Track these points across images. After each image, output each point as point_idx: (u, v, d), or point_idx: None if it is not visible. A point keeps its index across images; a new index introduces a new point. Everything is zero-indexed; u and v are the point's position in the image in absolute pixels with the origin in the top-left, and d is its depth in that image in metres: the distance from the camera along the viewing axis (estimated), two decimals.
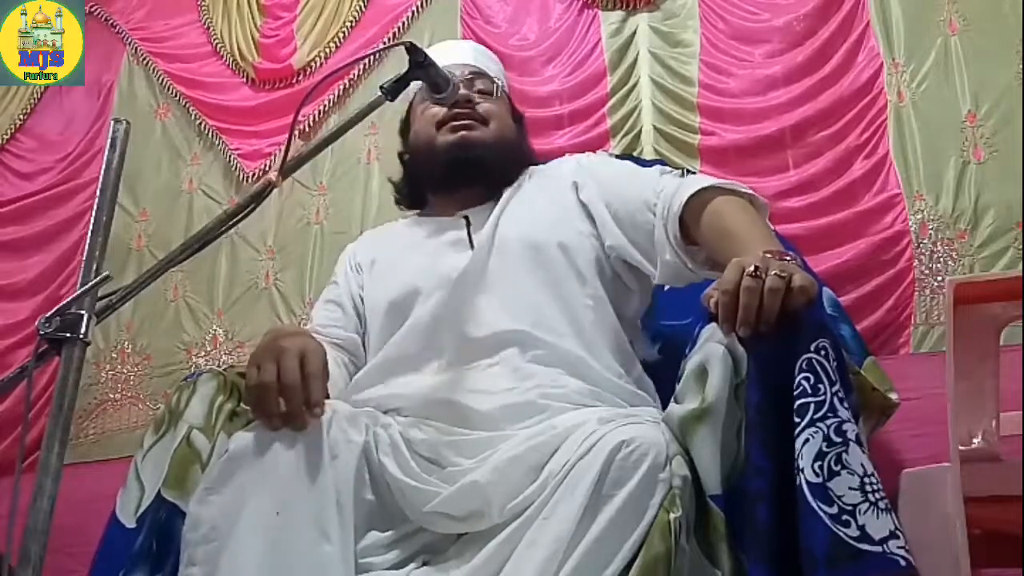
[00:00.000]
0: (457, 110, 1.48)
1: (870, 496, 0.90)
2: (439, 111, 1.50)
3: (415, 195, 1.62)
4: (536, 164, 1.62)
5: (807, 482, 0.90)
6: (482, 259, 1.39)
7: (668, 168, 1.47)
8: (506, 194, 1.50)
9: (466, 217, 1.48)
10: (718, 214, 1.26)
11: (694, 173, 1.69)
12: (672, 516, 0.99)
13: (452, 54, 1.56)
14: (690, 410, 1.06)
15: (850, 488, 0.90)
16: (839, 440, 0.91)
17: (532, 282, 1.36)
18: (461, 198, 1.51)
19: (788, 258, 1.06)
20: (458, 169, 1.48)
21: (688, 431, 1.05)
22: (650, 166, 1.66)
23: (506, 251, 1.39)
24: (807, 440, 0.92)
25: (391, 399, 1.31)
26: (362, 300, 1.51)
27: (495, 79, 1.58)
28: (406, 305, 1.39)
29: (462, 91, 1.45)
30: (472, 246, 1.43)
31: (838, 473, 0.90)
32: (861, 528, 0.88)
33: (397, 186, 1.66)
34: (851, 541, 0.87)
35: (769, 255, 1.04)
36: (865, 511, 0.89)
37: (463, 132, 1.48)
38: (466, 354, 1.31)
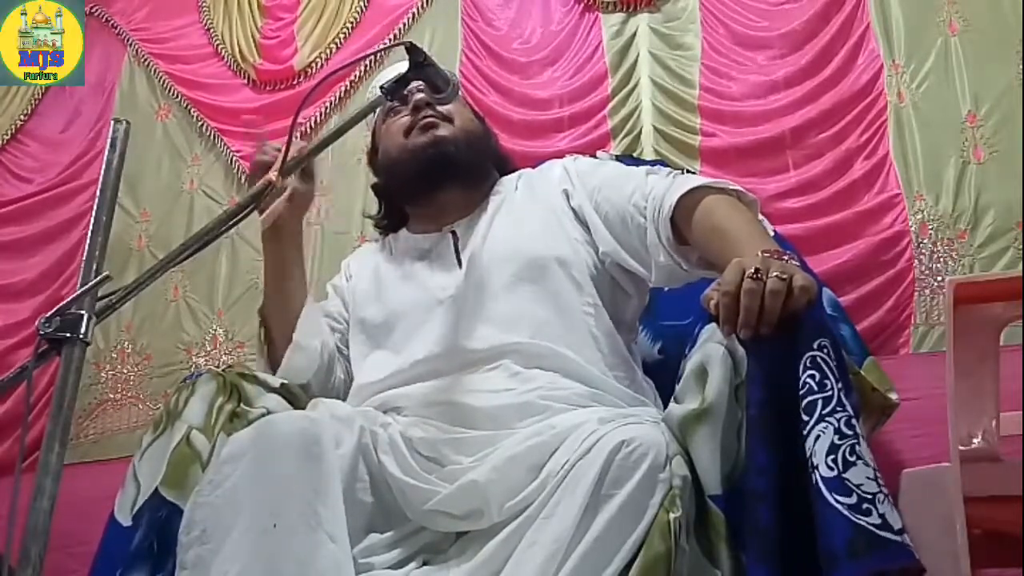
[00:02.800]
0: (420, 113, 1.48)
1: (883, 488, 0.89)
2: (404, 120, 1.50)
3: (396, 219, 1.60)
4: (507, 162, 1.62)
5: (822, 478, 0.89)
6: (473, 278, 1.38)
7: (658, 169, 1.46)
8: (492, 206, 1.49)
9: (453, 232, 1.47)
10: (709, 213, 1.25)
11: (694, 173, 1.69)
12: (672, 516, 0.99)
13: (399, 68, 1.52)
14: (690, 410, 1.06)
15: (867, 478, 0.88)
16: (850, 433, 0.90)
17: (528, 295, 1.35)
18: (443, 207, 1.49)
19: (786, 257, 1.05)
20: (433, 168, 1.47)
21: (688, 431, 1.05)
22: (651, 166, 1.65)
23: (499, 266, 1.38)
24: (818, 436, 0.91)
25: (392, 399, 1.31)
26: (347, 315, 1.52)
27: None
28: (394, 330, 1.40)
29: (419, 95, 1.45)
30: (460, 264, 1.42)
31: (854, 464, 0.89)
32: (882, 516, 0.86)
33: (376, 219, 1.64)
34: (874, 529, 0.86)
35: (768, 255, 1.04)
36: (882, 501, 0.88)
37: (432, 132, 1.47)
38: (466, 366, 1.31)
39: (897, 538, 0.86)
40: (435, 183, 1.49)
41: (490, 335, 1.32)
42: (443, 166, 1.47)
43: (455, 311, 1.36)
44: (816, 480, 0.89)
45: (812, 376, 0.94)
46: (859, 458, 0.89)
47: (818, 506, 0.89)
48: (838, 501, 0.87)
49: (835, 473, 0.89)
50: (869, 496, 0.88)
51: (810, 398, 0.93)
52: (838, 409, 0.92)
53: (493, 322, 1.33)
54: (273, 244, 1.46)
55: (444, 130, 1.48)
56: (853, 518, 0.87)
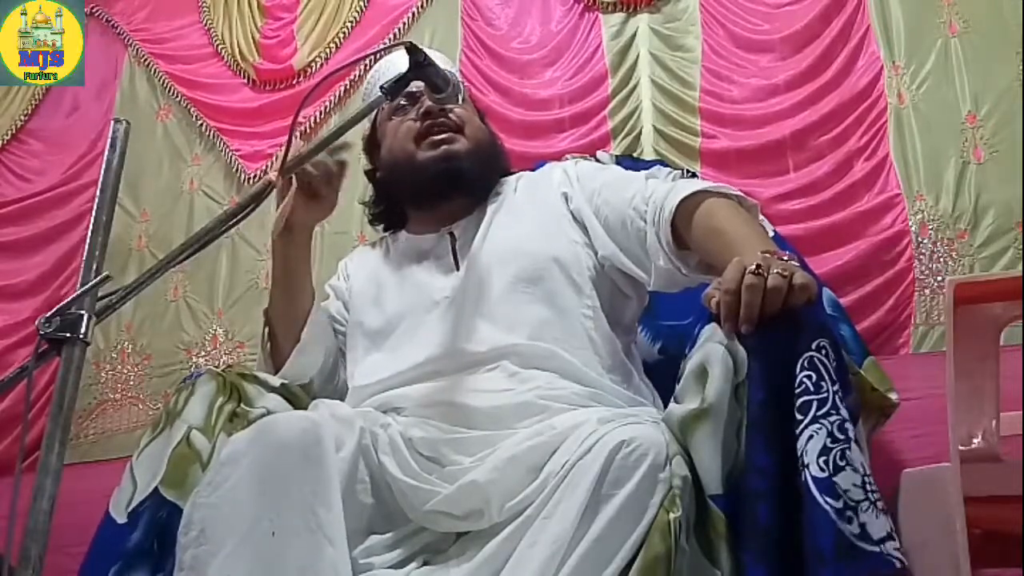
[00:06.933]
0: (430, 121, 1.46)
1: (870, 495, 0.90)
2: (414, 125, 1.47)
3: (393, 214, 1.59)
4: (508, 164, 1.61)
5: (813, 477, 0.90)
6: (471, 279, 1.38)
7: (657, 171, 1.46)
8: (491, 207, 1.48)
9: (451, 234, 1.46)
10: (710, 216, 1.25)
11: (694, 175, 1.69)
12: (672, 516, 0.99)
13: (403, 65, 1.38)
14: (690, 410, 1.06)
15: (854, 485, 0.90)
16: (842, 437, 0.91)
17: (527, 296, 1.35)
18: (445, 212, 1.49)
19: (786, 257, 1.06)
20: (444, 184, 1.46)
21: (688, 431, 1.05)
22: (651, 167, 1.65)
23: (497, 267, 1.38)
24: (811, 436, 0.92)
25: (391, 400, 1.31)
26: (347, 316, 1.51)
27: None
28: (392, 333, 1.39)
29: (428, 102, 1.43)
30: (457, 266, 1.42)
31: (843, 468, 0.90)
32: (862, 526, 0.88)
33: (370, 206, 1.62)
34: (852, 538, 0.88)
35: (769, 254, 1.04)
36: (866, 509, 0.89)
37: (445, 146, 1.46)
38: (464, 368, 1.30)
39: (875, 548, 0.87)
40: (443, 196, 1.48)
41: (489, 337, 1.31)
42: (453, 181, 1.46)
43: (453, 313, 1.36)
44: (806, 478, 0.91)
45: (808, 377, 0.95)
46: (848, 464, 0.90)
47: (808, 504, 0.90)
48: (827, 503, 0.89)
49: (826, 475, 0.90)
50: (853, 503, 0.89)
51: (805, 398, 0.94)
52: (832, 412, 0.93)
53: (491, 324, 1.33)
54: (283, 248, 1.43)
55: (456, 144, 1.47)
56: (837, 522, 0.88)
